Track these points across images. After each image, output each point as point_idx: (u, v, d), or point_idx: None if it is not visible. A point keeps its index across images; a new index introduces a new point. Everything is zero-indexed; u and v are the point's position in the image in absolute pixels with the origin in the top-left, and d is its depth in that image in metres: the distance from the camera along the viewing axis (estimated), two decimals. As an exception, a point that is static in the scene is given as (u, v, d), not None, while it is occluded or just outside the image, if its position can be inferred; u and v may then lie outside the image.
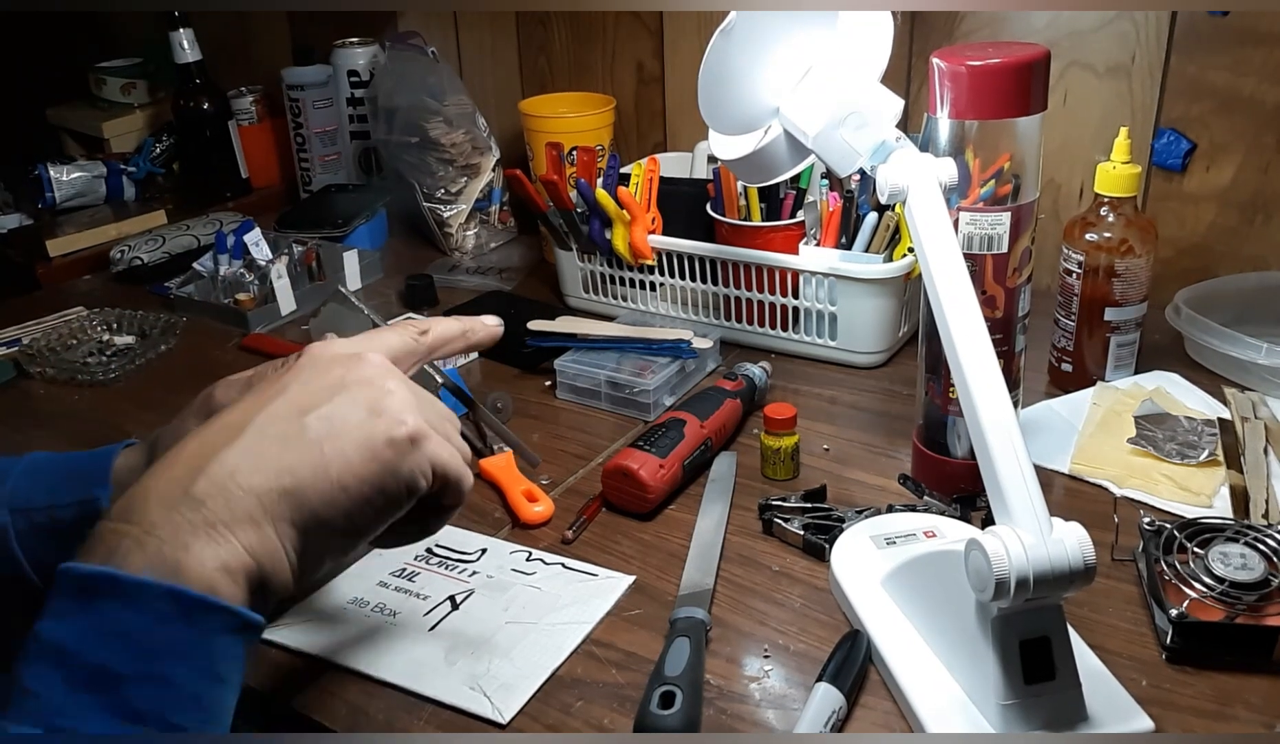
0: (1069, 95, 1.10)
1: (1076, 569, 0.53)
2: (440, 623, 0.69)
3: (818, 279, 0.99)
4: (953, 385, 0.74)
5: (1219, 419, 0.85)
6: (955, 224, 0.69)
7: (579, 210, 1.10)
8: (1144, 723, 0.57)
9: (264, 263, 1.24)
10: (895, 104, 0.71)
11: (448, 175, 1.36)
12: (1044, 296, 1.01)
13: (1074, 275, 0.92)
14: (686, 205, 1.09)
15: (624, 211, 1.06)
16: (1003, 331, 0.76)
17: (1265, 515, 0.74)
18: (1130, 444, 0.83)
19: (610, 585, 0.72)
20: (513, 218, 1.46)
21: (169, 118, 1.66)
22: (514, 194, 1.35)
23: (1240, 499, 0.76)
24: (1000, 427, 0.57)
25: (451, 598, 0.71)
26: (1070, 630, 0.57)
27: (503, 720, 0.61)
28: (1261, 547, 0.65)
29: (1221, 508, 0.76)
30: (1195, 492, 0.78)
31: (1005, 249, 0.74)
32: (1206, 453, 0.81)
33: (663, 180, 1.09)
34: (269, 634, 0.68)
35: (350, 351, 0.54)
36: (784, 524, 0.76)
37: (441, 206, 1.38)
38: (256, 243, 1.25)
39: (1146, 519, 0.70)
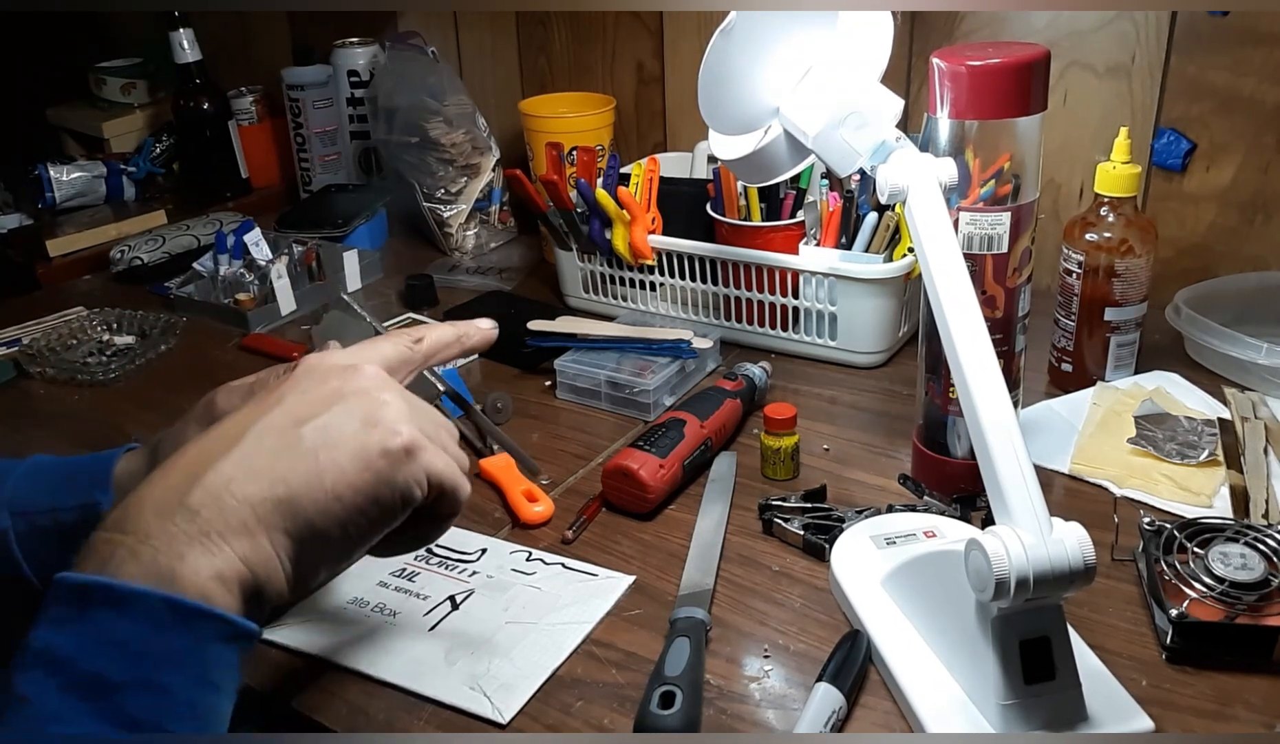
0: (1069, 95, 1.10)
1: (1076, 569, 0.53)
2: (440, 623, 0.69)
3: (818, 279, 0.99)
4: (953, 385, 0.74)
5: (1219, 419, 0.85)
6: (955, 224, 0.69)
7: (579, 210, 1.10)
8: (1144, 723, 0.57)
9: (264, 263, 1.24)
10: (895, 104, 0.71)
11: (448, 175, 1.37)
12: (1044, 296, 1.01)
13: (1074, 275, 0.92)
14: (686, 205, 1.09)
15: (624, 211, 1.06)
16: (1003, 331, 0.76)
17: (1265, 515, 0.74)
18: (1130, 444, 0.83)
19: (610, 585, 0.72)
20: (513, 218, 1.46)
21: (169, 118, 1.67)
22: (514, 194, 1.35)
23: (1240, 499, 0.76)
24: (1000, 427, 0.57)
25: (451, 598, 0.71)
26: (1070, 630, 0.57)
27: (503, 720, 0.61)
28: (1261, 547, 0.65)
29: (1221, 508, 0.76)
30: (1195, 492, 0.78)
31: (1005, 249, 0.74)
32: (1206, 453, 0.81)
33: (663, 180, 1.09)
34: (269, 634, 0.68)
35: (346, 362, 0.54)
36: (784, 524, 0.76)
37: (441, 206, 1.38)
38: (256, 243, 1.25)
39: (1146, 519, 0.70)
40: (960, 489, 0.77)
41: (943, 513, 0.75)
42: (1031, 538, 0.53)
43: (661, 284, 1.10)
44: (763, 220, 1.03)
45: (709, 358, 1.02)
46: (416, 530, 0.55)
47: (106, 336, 1.18)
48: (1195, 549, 0.66)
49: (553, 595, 0.71)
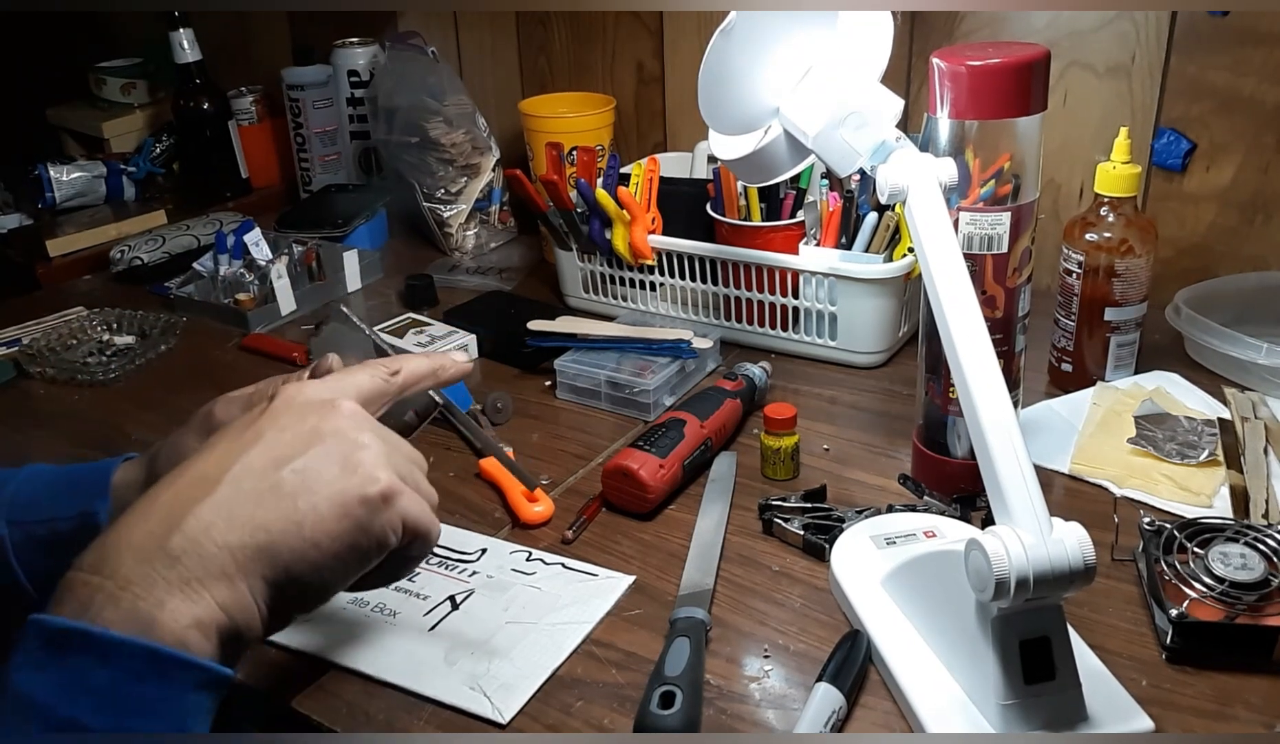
0: (1069, 95, 1.10)
1: (1076, 569, 0.53)
2: (440, 623, 0.69)
3: (818, 279, 0.99)
4: (953, 385, 0.74)
5: (1219, 419, 0.85)
6: (955, 224, 0.69)
7: (579, 210, 1.10)
8: (1144, 723, 0.57)
9: (264, 263, 1.24)
10: (895, 104, 0.71)
11: (448, 175, 1.36)
12: (1044, 296, 1.01)
13: (1074, 275, 0.92)
14: (686, 205, 1.09)
15: (624, 211, 1.06)
16: (1003, 331, 0.76)
17: (1265, 515, 0.74)
18: (1130, 444, 0.83)
19: (610, 585, 0.72)
20: (513, 218, 1.46)
21: (169, 118, 1.67)
22: (514, 194, 1.35)
23: (1240, 499, 0.76)
24: (1000, 427, 0.57)
25: (451, 598, 0.71)
26: (1070, 630, 0.57)
27: (503, 720, 0.61)
28: (1261, 547, 0.65)
29: (1221, 508, 0.76)
30: (1195, 492, 0.78)
31: (1005, 249, 0.74)
32: (1206, 453, 0.81)
33: (663, 180, 1.09)
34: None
35: (323, 398, 0.54)
36: (784, 524, 0.76)
37: (441, 206, 1.38)
38: (256, 243, 1.25)
39: (1146, 519, 0.70)
40: (960, 489, 0.77)
41: (943, 513, 0.75)
42: (1031, 538, 0.53)
43: (661, 284, 1.10)
44: (763, 220, 1.03)
45: (709, 358, 1.02)
46: (387, 569, 0.55)
47: (106, 336, 1.18)
48: (1195, 549, 0.66)
49: (553, 595, 0.71)
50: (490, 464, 0.86)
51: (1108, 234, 0.90)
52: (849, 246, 0.99)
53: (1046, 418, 0.90)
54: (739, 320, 1.07)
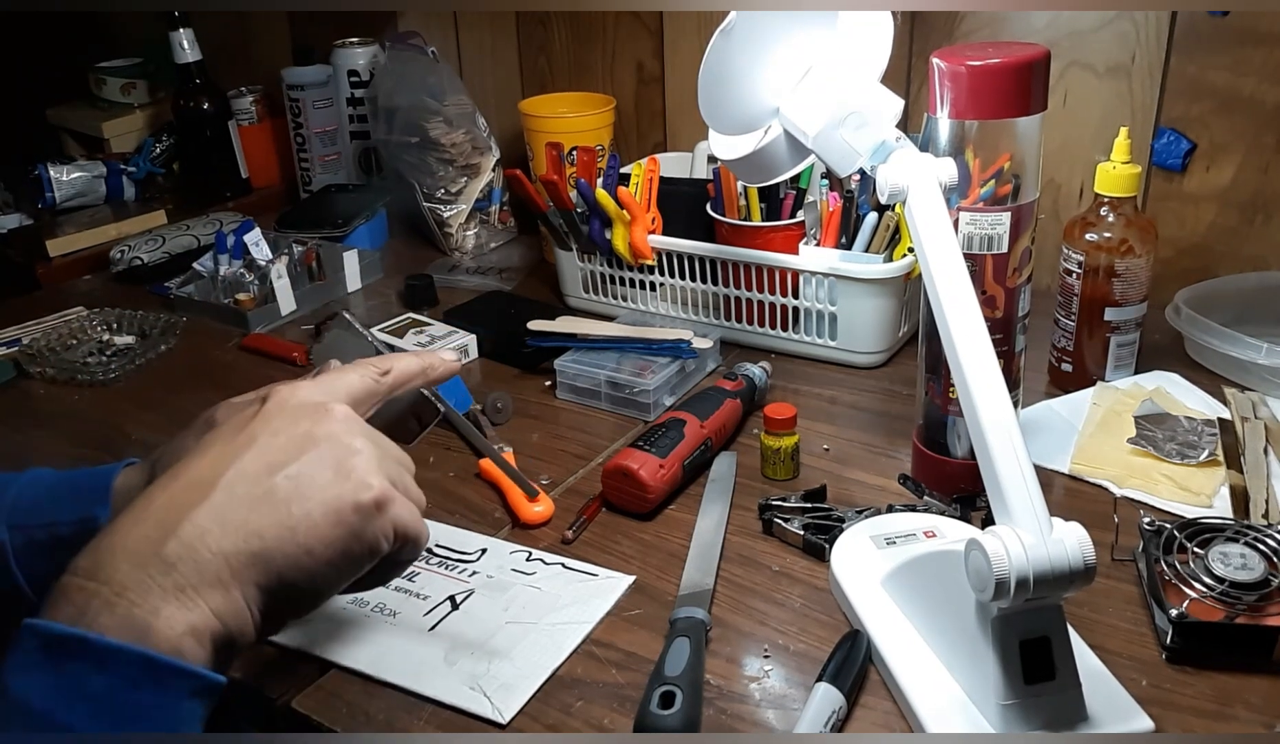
0: (1069, 95, 1.10)
1: (1076, 569, 0.53)
2: (440, 623, 0.69)
3: (818, 279, 0.99)
4: (953, 385, 0.74)
5: (1219, 419, 0.85)
6: (955, 224, 0.69)
7: (579, 210, 1.10)
8: (1144, 723, 0.57)
9: (264, 263, 1.24)
10: (895, 104, 0.71)
11: (448, 175, 1.36)
12: (1044, 296, 1.01)
13: (1074, 275, 0.92)
14: (686, 205, 1.09)
15: (624, 211, 1.06)
16: (1003, 331, 0.76)
17: (1265, 515, 0.74)
18: (1130, 444, 0.83)
19: (610, 585, 0.72)
20: (513, 218, 1.46)
21: (169, 118, 1.66)
22: (514, 194, 1.35)
23: (1240, 499, 0.76)
24: (1000, 427, 0.57)
25: (451, 598, 0.71)
26: (1070, 630, 0.57)
27: (503, 720, 0.61)
28: (1261, 547, 0.65)
29: (1221, 508, 0.76)
30: (1195, 492, 0.78)
31: (1005, 249, 0.74)
32: (1206, 453, 0.81)
33: (663, 180, 1.09)
34: (269, 634, 0.68)
35: (316, 401, 0.54)
36: (784, 524, 0.76)
37: (441, 206, 1.38)
38: (256, 243, 1.25)
39: (1146, 519, 0.70)
40: (960, 489, 0.77)
41: (943, 513, 0.75)
42: (1031, 538, 0.53)
43: (661, 284, 1.10)
44: (763, 220, 1.03)
45: (709, 358, 1.02)
46: (376, 573, 0.55)
47: (106, 336, 1.18)
48: (1195, 549, 0.66)
49: (553, 595, 0.71)
50: (491, 464, 0.86)
51: (1108, 234, 0.90)
52: (849, 246, 0.99)
53: (1046, 418, 0.90)
54: (739, 320, 1.07)
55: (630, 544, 0.77)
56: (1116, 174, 0.89)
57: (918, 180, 0.66)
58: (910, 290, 1.00)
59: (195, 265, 1.28)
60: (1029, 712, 0.55)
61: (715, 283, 1.06)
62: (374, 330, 1.07)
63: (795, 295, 1.02)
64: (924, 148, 0.71)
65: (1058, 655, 0.56)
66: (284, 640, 0.68)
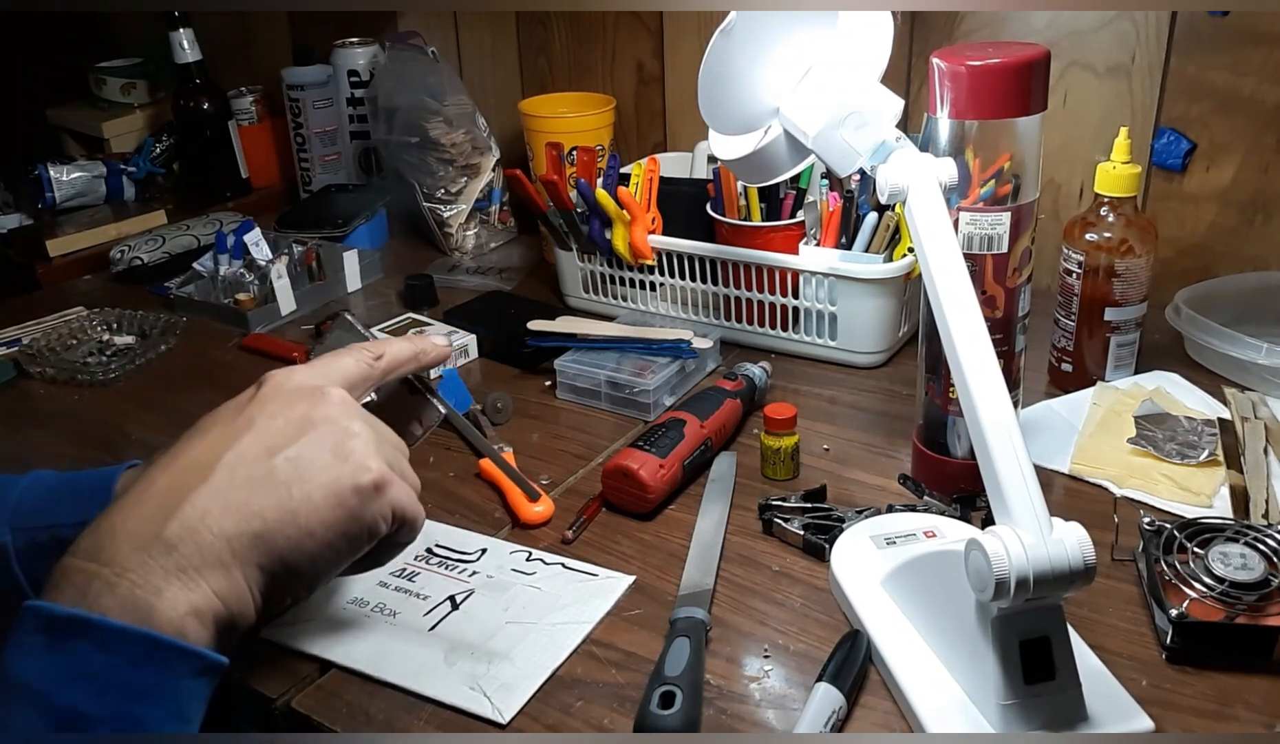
0: (1069, 95, 1.10)
1: (1076, 569, 0.53)
2: (440, 623, 0.69)
3: (818, 279, 0.99)
4: (953, 385, 0.74)
5: (1219, 419, 0.85)
6: (955, 224, 0.69)
7: (579, 210, 1.10)
8: (1144, 723, 0.57)
9: (264, 263, 1.24)
10: (895, 104, 0.71)
11: (448, 175, 1.36)
12: (1044, 296, 1.01)
13: (1074, 275, 0.92)
14: (686, 205, 1.09)
15: (624, 211, 1.06)
16: (1003, 331, 0.76)
17: (1265, 515, 0.74)
18: (1130, 444, 0.83)
19: (610, 585, 0.72)
20: (513, 218, 1.46)
21: (169, 118, 1.66)
22: (514, 194, 1.35)
23: (1240, 499, 0.76)
24: (1000, 427, 0.57)
25: (451, 598, 0.71)
26: (1070, 630, 0.57)
27: (503, 720, 0.61)
28: (1261, 547, 0.65)
29: (1221, 508, 0.76)
30: (1195, 492, 0.78)
31: (1005, 249, 0.74)
32: (1206, 453, 0.81)
33: (663, 180, 1.09)
34: (269, 634, 0.68)
35: (312, 384, 0.55)
36: (784, 524, 0.76)
37: (441, 206, 1.38)
38: (256, 243, 1.25)
39: (1146, 519, 0.70)
40: (960, 489, 0.77)
41: (943, 513, 0.75)
42: (1031, 538, 0.53)
43: (661, 284, 1.10)
44: (763, 220, 1.03)
45: (709, 358, 1.02)
46: (373, 555, 0.56)
47: (106, 336, 1.18)
48: (1195, 549, 0.66)
49: (553, 595, 0.71)
50: (491, 464, 0.86)
51: (1108, 234, 0.90)
52: (849, 246, 0.99)
53: (1046, 418, 0.90)
54: (739, 320, 1.07)
55: (630, 544, 0.77)
56: (1116, 174, 0.89)
57: (918, 180, 0.66)
58: (910, 290, 1.00)
59: (195, 265, 1.28)
60: (1029, 712, 0.55)
61: (715, 283, 1.06)
62: (375, 330, 1.07)
63: (795, 295, 1.02)
64: (924, 148, 0.71)
65: (1058, 655, 0.56)
66: (284, 640, 0.68)
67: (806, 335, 1.03)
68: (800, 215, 1.03)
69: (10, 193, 1.58)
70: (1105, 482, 0.80)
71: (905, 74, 1.18)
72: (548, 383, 1.01)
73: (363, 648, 0.67)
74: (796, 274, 1.00)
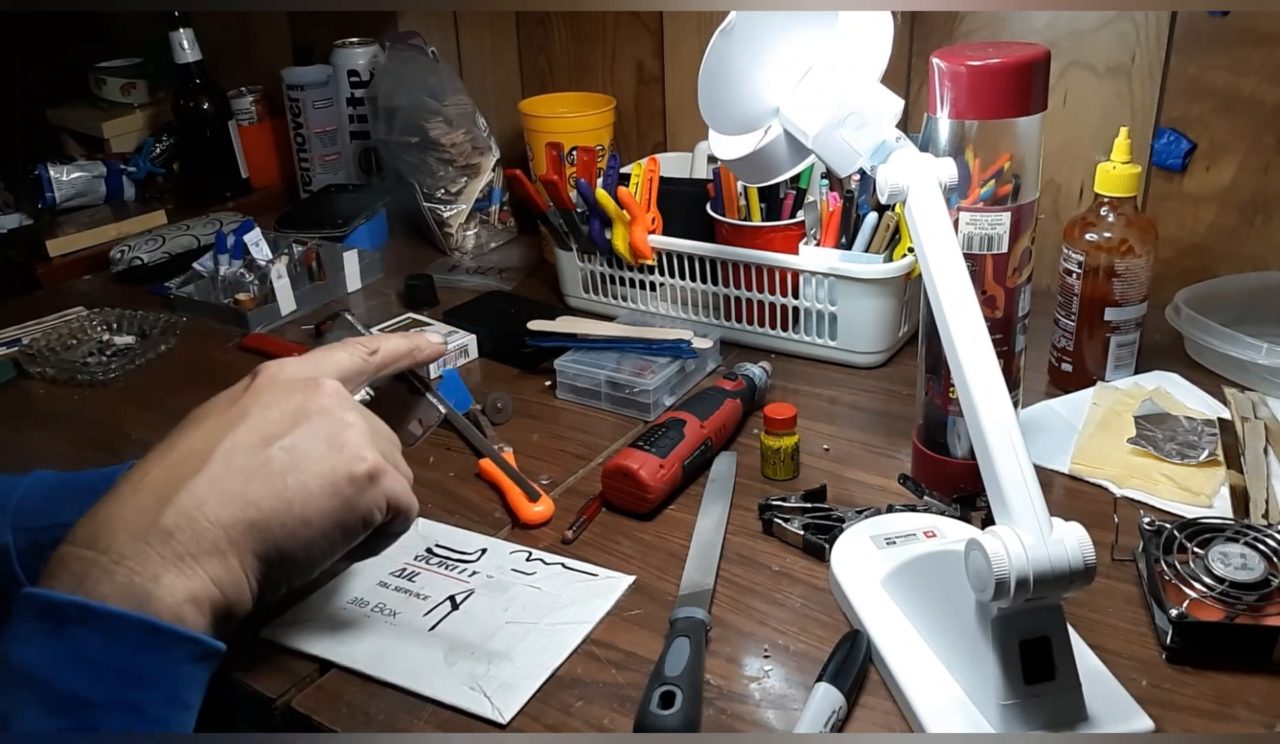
0: (1069, 95, 1.10)
1: (1076, 569, 0.53)
2: (440, 623, 0.69)
3: (818, 279, 0.99)
4: (953, 385, 0.74)
5: (1219, 419, 0.85)
6: (955, 224, 0.69)
7: (579, 210, 1.10)
8: (1144, 723, 0.57)
9: (264, 263, 1.24)
10: (895, 104, 0.71)
11: (448, 175, 1.37)
12: (1044, 296, 1.01)
13: (1074, 275, 0.92)
14: (686, 205, 1.09)
15: (624, 211, 1.06)
16: (1003, 331, 0.76)
17: (1265, 515, 0.74)
18: (1130, 444, 0.83)
19: (610, 585, 0.72)
20: (513, 218, 1.46)
21: (169, 118, 1.66)
22: (514, 194, 1.35)
23: (1240, 499, 0.76)
24: (1000, 427, 0.57)
25: (451, 598, 0.71)
26: (1070, 630, 0.57)
27: (503, 720, 0.61)
28: (1261, 547, 0.65)
29: (1221, 508, 0.76)
30: (1195, 492, 0.78)
31: (1005, 249, 0.74)
32: (1206, 453, 0.81)
33: (663, 180, 1.09)
34: (269, 634, 0.68)
35: (306, 375, 0.55)
36: (784, 524, 0.76)
37: (441, 206, 1.38)
38: (256, 243, 1.25)
39: (1146, 519, 0.70)
40: (960, 489, 0.77)
41: (943, 513, 0.75)
42: (1031, 538, 0.53)
43: (661, 284, 1.10)
44: (763, 220, 1.03)
45: (709, 358, 1.02)
46: (366, 545, 0.57)
47: (106, 336, 1.18)
48: (1195, 549, 0.66)
49: (553, 595, 0.71)
50: (490, 464, 0.86)
51: (1108, 234, 0.90)
52: (849, 246, 0.99)
53: (1046, 418, 0.90)
54: (739, 320, 1.07)
55: (630, 544, 0.77)
56: (1116, 174, 0.89)
57: (918, 180, 0.66)
58: (910, 290, 1.00)
59: (195, 265, 1.28)
60: (1029, 712, 0.55)
61: (715, 283, 1.06)
62: (374, 330, 1.07)
63: (795, 295, 1.02)
64: (924, 148, 0.71)
65: (1058, 655, 0.56)
66: (284, 640, 0.68)
67: (806, 335, 1.03)
68: (800, 215, 1.03)
69: (10, 193, 1.58)
70: (1105, 482, 0.80)
71: (905, 74, 1.18)
72: (548, 383, 1.01)
73: (363, 648, 0.67)
74: (796, 274, 1.00)
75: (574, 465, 0.88)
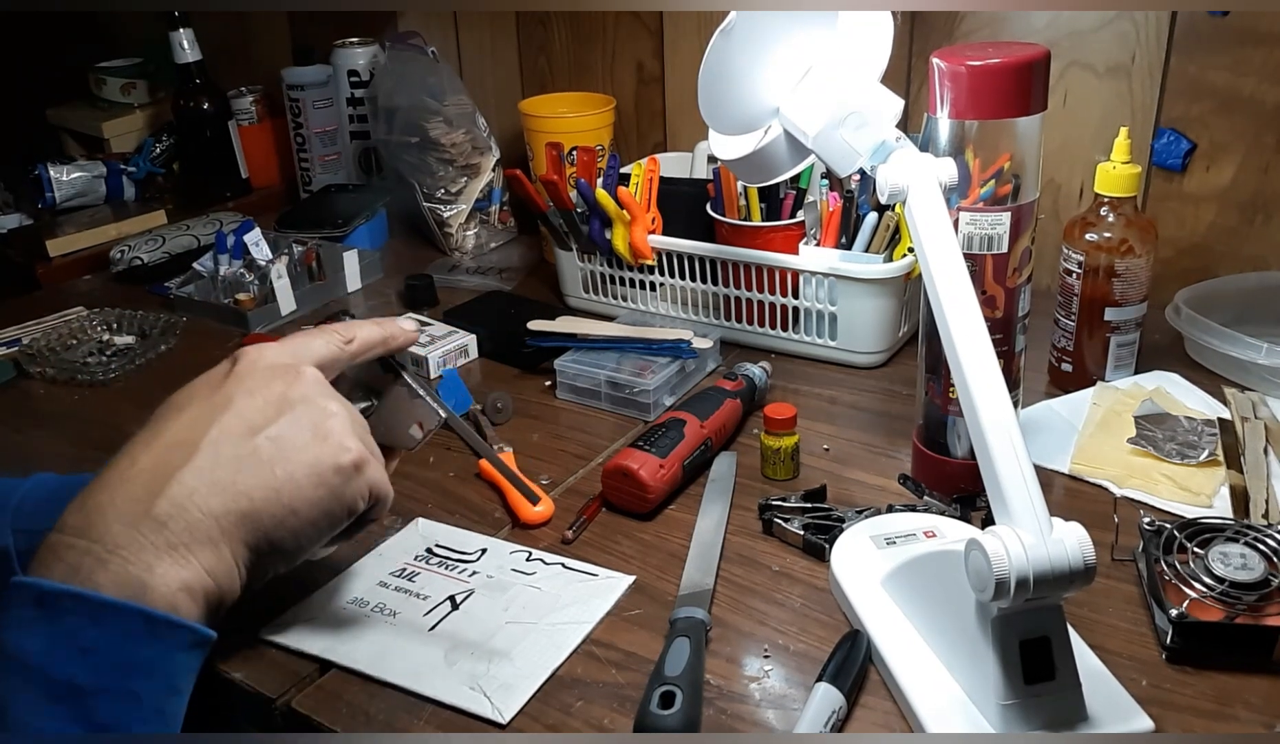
0: (1069, 95, 1.10)
1: (1076, 569, 0.53)
2: (440, 623, 0.69)
3: (818, 279, 0.99)
4: (953, 385, 0.74)
5: (1219, 419, 0.85)
6: (955, 224, 0.69)
7: (579, 210, 1.10)
8: (1144, 723, 0.57)
9: (264, 263, 1.24)
10: (895, 104, 0.71)
11: (448, 175, 1.37)
12: (1044, 296, 1.01)
13: (1074, 275, 0.92)
14: (686, 205, 1.09)
15: (624, 211, 1.06)
16: (1003, 331, 0.76)
17: (1265, 515, 0.74)
18: (1130, 444, 0.83)
19: (610, 585, 0.72)
20: (513, 218, 1.46)
21: (169, 118, 1.67)
22: (514, 194, 1.35)
23: (1240, 499, 0.76)
24: (1000, 427, 0.57)
25: (451, 598, 0.71)
26: (1070, 630, 0.57)
27: (503, 720, 0.61)
28: (1261, 547, 0.65)
29: (1221, 508, 0.76)
30: (1195, 492, 0.78)
31: (1005, 249, 0.74)
32: (1206, 453, 0.81)
33: (663, 180, 1.09)
34: (269, 634, 0.68)
35: (285, 362, 0.56)
36: (784, 524, 0.76)
37: (441, 206, 1.38)
38: (256, 243, 1.25)
39: (1146, 519, 0.70)
40: (960, 489, 0.77)
41: (943, 513, 0.75)
42: (1031, 538, 0.53)
43: (661, 284, 1.10)
44: (763, 220, 1.03)
45: (709, 358, 1.02)
46: (346, 529, 0.58)
47: (106, 336, 1.18)
48: (1195, 549, 0.66)
49: (553, 595, 0.71)
50: (490, 464, 0.85)
51: (1108, 234, 0.90)
52: (849, 246, 0.99)
53: (1046, 418, 0.90)
54: (739, 320, 1.07)
55: (630, 544, 0.77)
56: (1116, 174, 0.89)
57: (918, 180, 0.66)
58: (910, 290, 1.00)
59: (195, 265, 1.28)
60: (1029, 712, 0.55)
61: (715, 283, 1.06)
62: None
63: (795, 295, 1.02)
64: (924, 148, 0.71)
65: (1058, 655, 0.56)
66: (284, 640, 0.68)
67: (806, 335, 1.03)
68: (800, 215, 1.03)
69: (10, 193, 1.58)
70: (1105, 482, 0.80)
71: (905, 74, 1.18)
72: (548, 383, 1.01)
73: (363, 648, 0.67)
74: (796, 274, 1.00)
75: (574, 465, 0.88)
